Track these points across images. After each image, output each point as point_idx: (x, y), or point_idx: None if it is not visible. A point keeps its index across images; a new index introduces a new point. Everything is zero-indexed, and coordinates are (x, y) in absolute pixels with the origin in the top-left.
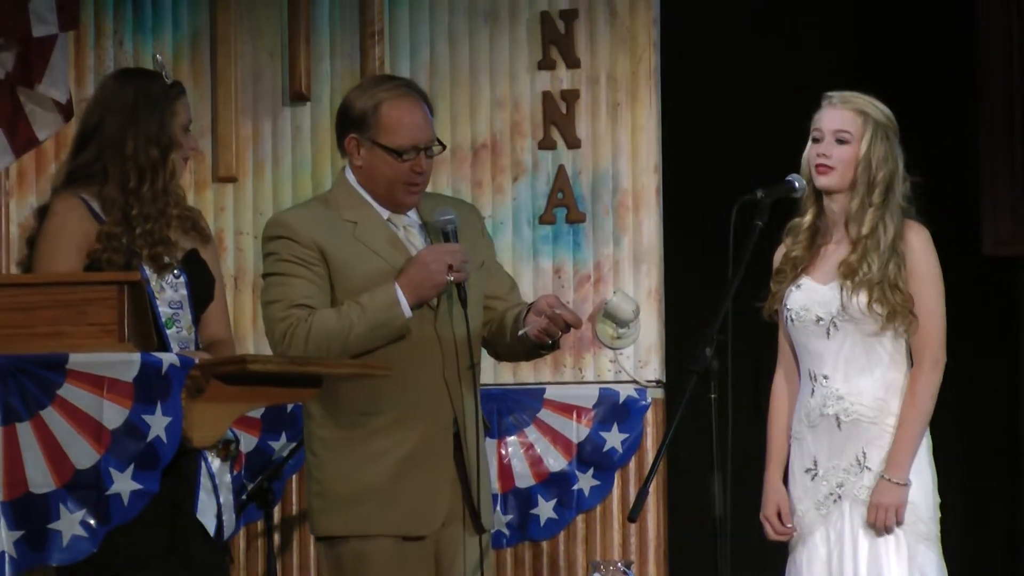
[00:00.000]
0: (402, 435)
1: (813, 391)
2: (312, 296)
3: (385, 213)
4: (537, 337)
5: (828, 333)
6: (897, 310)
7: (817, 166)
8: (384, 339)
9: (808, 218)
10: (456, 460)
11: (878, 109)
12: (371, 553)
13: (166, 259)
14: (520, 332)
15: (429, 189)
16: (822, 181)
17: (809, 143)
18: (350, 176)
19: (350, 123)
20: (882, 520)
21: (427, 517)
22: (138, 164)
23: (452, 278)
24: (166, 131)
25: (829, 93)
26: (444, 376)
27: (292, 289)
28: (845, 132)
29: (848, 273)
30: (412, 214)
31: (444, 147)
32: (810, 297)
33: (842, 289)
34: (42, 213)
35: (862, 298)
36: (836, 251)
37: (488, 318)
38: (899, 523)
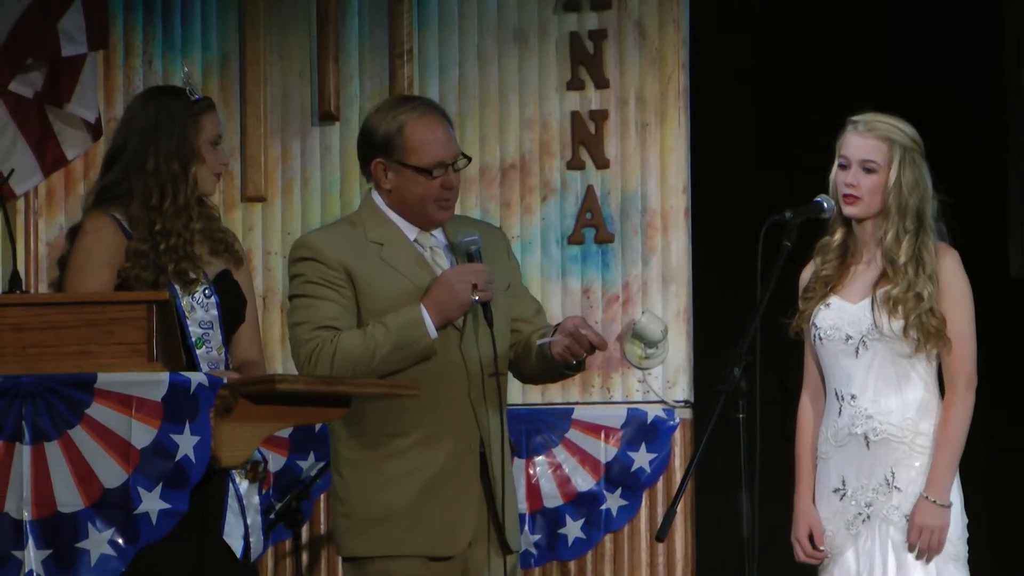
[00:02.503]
0: (428, 456)
1: (841, 410)
2: (338, 317)
3: (412, 234)
4: (560, 356)
5: (857, 352)
6: (932, 333)
7: (845, 196)
8: (410, 360)
9: (838, 237)
10: (483, 480)
11: (904, 133)
12: (397, 573)
13: (191, 274)
14: (540, 343)
15: (456, 211)
16: (850, 211)
17: (836, 167)
18: (377, 198)
19: (375, 148)
20: (926, 541)
21: (454, 538)
22: (159, 179)
23: (477, 298)
24: (187, 145)
25: (854, 117)
26: (470, 397)
27: (318, 311)
28: (872, 162)
29: (896, 304)
30: (438, 235)
31: (469, 160)
32: (840, 316)
33: (873, 308)
34: (73, 233)
35: (898, 322)
36: (867, 271)
37: (514, 340)
38: (941, 545)
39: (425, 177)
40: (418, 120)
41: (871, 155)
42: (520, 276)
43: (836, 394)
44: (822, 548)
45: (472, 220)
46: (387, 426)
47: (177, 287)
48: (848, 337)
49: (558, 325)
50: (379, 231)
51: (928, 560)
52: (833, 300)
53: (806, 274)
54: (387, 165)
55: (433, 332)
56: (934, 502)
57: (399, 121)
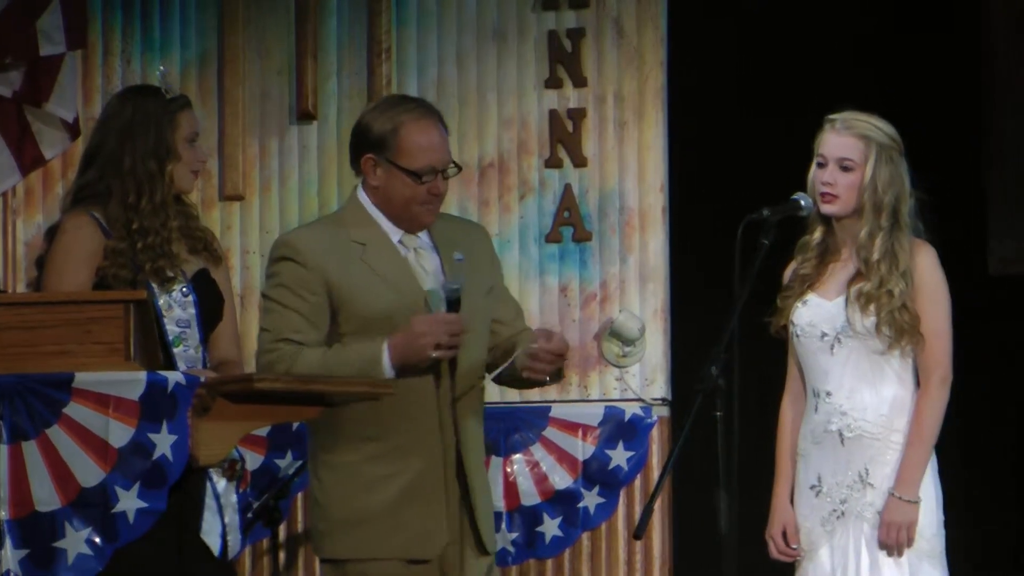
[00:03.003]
0: (404, 462)
1: (817, 407)
2: (301, 330)
3: (396, 235)
4: (530, 378)
5: (832, 349)
6: (905, 330)
7: (822, 195)
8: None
9: (817, 236)
10: (460, 483)
11: (881, 131)
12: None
13: (169, 273)
14: (502, 368)
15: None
16: (827, 209)
17: (814, 166)
18: (363, 196)
19: (367, 144)
20: (894, 538)
21: (431, 541)
22: (136, 178)
23: (437, 355)
24: (164, 143)
25: (831, 116)
26: (448, 403)
27: (284, 320)
28: (848, 160)
29: (868, 301)
30: (423, 235)
31: (460, 169)
32: (816, 313)
33: (847, 305)
34: (52, 233)
35: (870, 319)
36: (844, 269)
37: (492, 343)
38: (910, 541)
39: (414, 181)
40: (415, 123)
41: (848, 153)
42: (502, 277)
43: (813, 391)
44: (795, 546)
45: (455, 219)
46: (365, 430)
47: (155, 286)
48: (824, 334)
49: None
50: (363, 231)
51: (899, 556)
52: (811, 297)
53: (788, 272)
54: (378, 162)
55: (390, 373)
56: (901, 498)
57: (396, 121)
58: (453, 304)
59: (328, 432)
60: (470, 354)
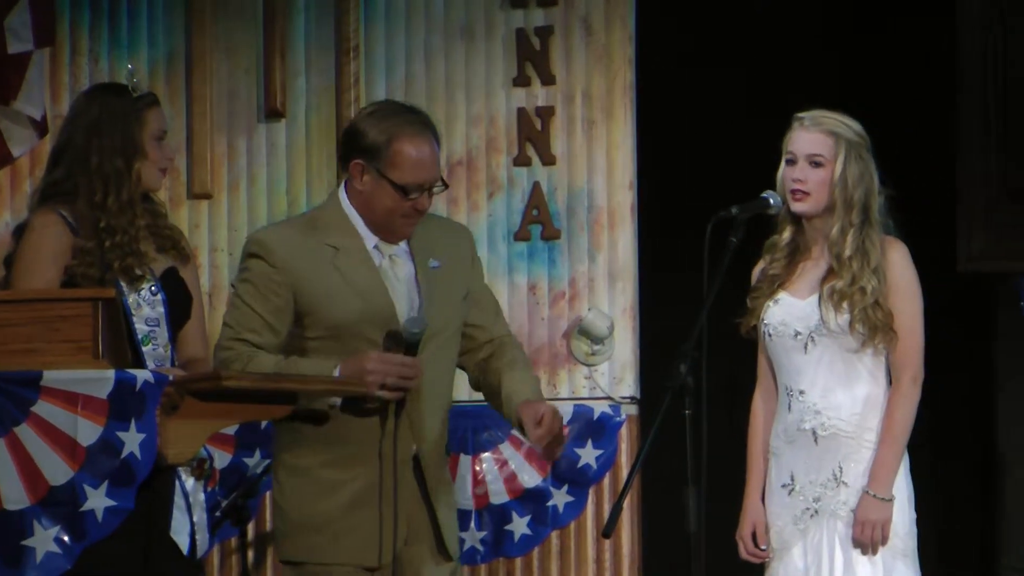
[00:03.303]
0: (360, 468)
1: (790, 406)
2: (260, 332)
3: (372, 240)
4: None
5: (806, 348)
6: (879, 328)
7: (792, 192)
8: (310, 411)
9: (787, 236)
10: (421, 489)
11: (849, 128)
12: None
13: (137, 271)
14: (507, 410)
15: None
16: (798, 207)
17: (783, 165)
18: (344, 197)
19: (359, 149)
20: (868, 536)
21: (380, 548)
22: (103, 176)
23: (381, 395)
24: (130, 141)
25: (800, 114)
26: (408, 410)
27: (244, 318)
28: (818, 155)
29: (840, 300)
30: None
31: (447, 186)
32: (788, 312)
33: (821, 304)
34: (20, 231)
35: (843, 316)
36: (815, 267)
37: (469, 347)
38: (885, 539)
39: (400, 195)
40: (409, 137)
41: (818, 149)
42: (482, 278)
43: (786, 390)
44: (764, 547)
45: (438, 220)
46: (322, 435)
47: (124, 284)
48: (797, 333)
49: (522, 404)
50: (338, 234)
51: (873, 554)
52: (782, 296)
53: (757, 272)
54: (366, 169)
55: (336, 401)
56: (875, 496)
57: (390, 133)
58: (412, 347)
59: (289, 434)
60: (435, 365)
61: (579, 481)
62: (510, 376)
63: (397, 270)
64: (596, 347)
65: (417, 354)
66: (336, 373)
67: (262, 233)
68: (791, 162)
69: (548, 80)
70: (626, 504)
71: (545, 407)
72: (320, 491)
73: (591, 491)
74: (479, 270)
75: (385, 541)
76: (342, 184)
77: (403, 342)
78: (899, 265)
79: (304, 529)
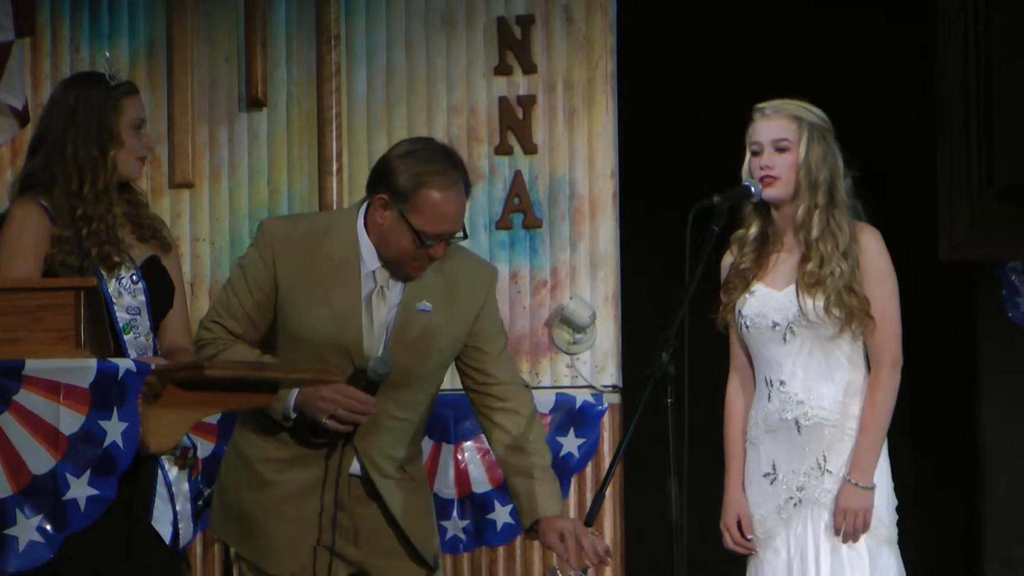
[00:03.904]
0: (291, 475)
1: (770, 396)
2: (239, 320)
3: (372, 266)
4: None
5: (785, 338)
6: (854, 313)
7: (762, 179)
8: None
9: (754, 230)
10: (379, 504)
11: (811, 112)
12: (246, 570)
13: (115, 258)
14: (529, 526)
15: None
16: (769, 193)
17: (748, 157)
18: (361, 218)
19: (386, 185)
20: (851, 524)
21: (281, 558)
22: (79, 165)
23: (327, 423)
24: (106, 130)
25: (760, 105)
26: (364, 433)
27: (230, 307)
28: (783, 140)
29: (813, 283)
30: None
31: (466, 236)
32: (765, 303)
33: (798, 294)
34: (0, 221)
35: (819, 303)
36: (789, 258)
37: (474, 387)
38: (866, 527)
39: (417, 242)
40: (440, 188)
41: (782, 134)
42: (494, 324)
43: (765, 380)
44: (750, 537)
45: (465, 258)
46: (275, 430)
47: (103, 272)
48: (775, 324)
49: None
50: (342, 249)
51: (855, 541)
52: (758, 288)
53: (725, 264)
54: (390, 205)
55: (290, 413)
56: (856, 484)
57: (422, 180)
58: (371, 386)
59: (249, 424)
60: (403, 405)
61: (561, 470)
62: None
63: (381, 304)
64: (578, 336)
65: (375, 393)
66: (294, 391)
67: (273, 224)
68: (756, 152)
69: (529, 69)
70: (608, 493)
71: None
72: (249, 485)
73: (573, 480)
74: (490, 316)
75: (292, 553)
76: (364, 204)
77: (365, 379)
78: (871, 250)
79: (226, 513)
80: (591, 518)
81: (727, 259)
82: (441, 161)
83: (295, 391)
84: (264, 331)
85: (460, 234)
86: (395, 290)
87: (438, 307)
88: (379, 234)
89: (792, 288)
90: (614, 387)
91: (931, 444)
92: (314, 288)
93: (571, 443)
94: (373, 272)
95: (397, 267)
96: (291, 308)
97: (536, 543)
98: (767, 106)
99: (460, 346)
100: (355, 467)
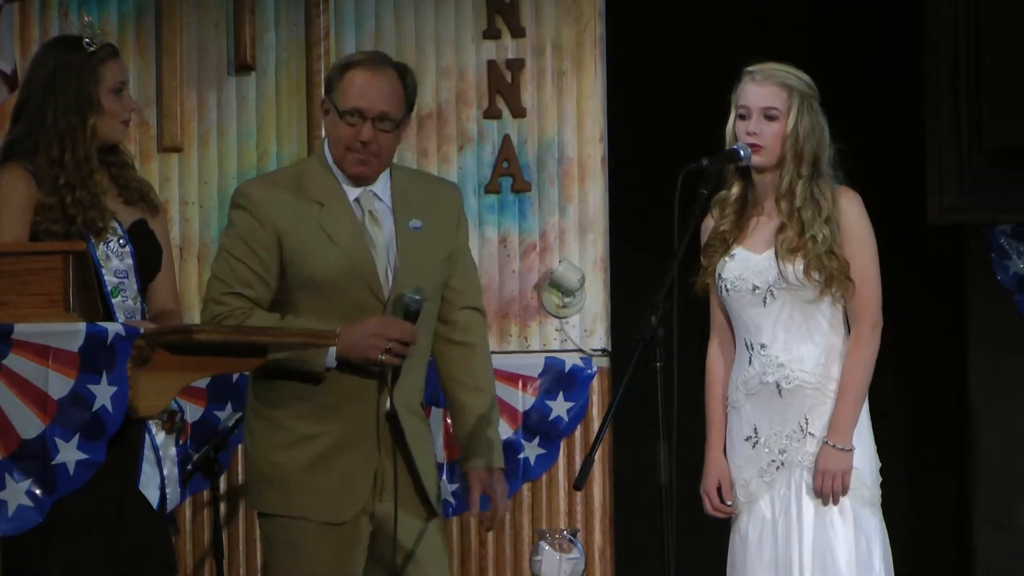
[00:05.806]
0: (330, 423)
1: (751, 359)
2: (253, 286)
3: (353, 193)
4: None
5: (765, 302)
6: (834, 276)
7: (748, 145)
8: (300, 369)
9: (735, 191)
10: (400, 443)
11: (800, 80)
12: (295, 532)
13: (100, 224)
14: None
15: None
16: (755, 160)
17: (733, 118)
18: (327, 147)
19: (326, 87)
20: (829, 486)
21: (340, 505)
22: (59, 133)
23: (383, 359)
24: (85, 96)
25: (750, 68)
26: (381, 367)
27: (235, 271)
28: (773, 108)
29: (791, 248)
30: (384, 195)
31: (397, 125)
32: (745, 267)
33: (778, 258)
34: None
35: (799, 266)
36: (769, 222)
37: (443, 313)
38: (845, 489)
39: (342, 121)
40: (362, 66)
41: (772, 102)
42: (466, 241)
43: (746, 344)
44: (730, 503)
45: (426, 178)
46: (296, 389)
47: (91, 237)
48: (755, 287)
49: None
50: (321, 188)
51: (835, 503)
52: (738, 251)
53: (706, 228)
54: (326, 104)
55: (331, 363)
56: (834, 446)
57: (345, 64)
58: (412, 315)
59: (264, 385)
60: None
61: (550, 434)
62: (472, 417)
63: (378, 229)
64: (567, 299)
65: (416, 322)
66: (335, 343)
67: (249, 185)
68: (743, 116)
69: (518, 32)
70: (597, 456)
71: (500, 487)
72: (290, 443)
73: (562, 444)
74: (464, 232)
75: (356, 495)
76: (326, 141)
77: (403, 309)
78: (851, 213)
79: (268, 481)
80: (581, 481)
81: (707, 222)
82: (374, 53)
83: (336, 340)
84: (275, 287)
85: (389, 123)
86: (384, 214)
87: (425, 223)
88: (330, 143)
89: (771, 252)
90: (603, 351)
91: (922, 408)
92: (315, 234)
93: (560, 407)
94: (357, 199)
95: (342, 167)
96: (299, 257)
97: (526, 505)
98: (757, 70)
99: (449, 263)
100: (387, 406)
